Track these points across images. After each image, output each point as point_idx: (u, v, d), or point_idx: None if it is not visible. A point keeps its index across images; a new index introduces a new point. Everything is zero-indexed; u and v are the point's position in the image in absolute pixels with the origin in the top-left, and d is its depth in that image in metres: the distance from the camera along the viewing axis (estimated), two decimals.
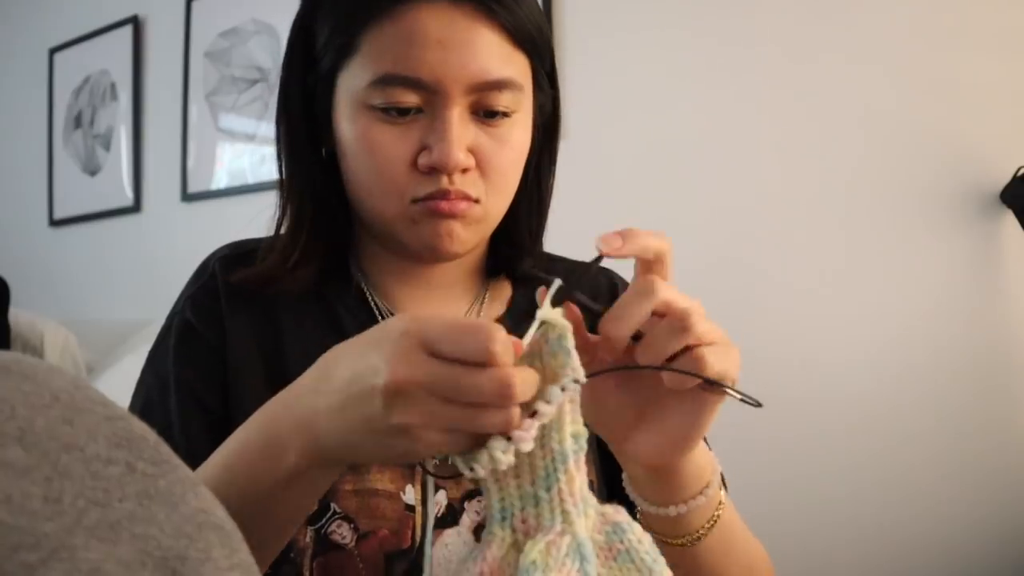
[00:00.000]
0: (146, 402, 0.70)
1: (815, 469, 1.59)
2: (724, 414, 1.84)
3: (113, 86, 2.68)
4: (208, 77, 2.45)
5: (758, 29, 1.71)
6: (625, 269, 1.11)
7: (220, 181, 2.41)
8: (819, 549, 1.58)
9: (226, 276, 0.71)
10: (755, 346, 1.68)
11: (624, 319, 0.49)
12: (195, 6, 2.49)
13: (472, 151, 0.64)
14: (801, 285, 1.64)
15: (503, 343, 0.41)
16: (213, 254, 0.75)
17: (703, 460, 0.56)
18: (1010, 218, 1.47)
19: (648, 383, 0.52)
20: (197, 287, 0.72)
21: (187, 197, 2.47)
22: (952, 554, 1.48)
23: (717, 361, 0.50)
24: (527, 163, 0.71)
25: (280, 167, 0.73)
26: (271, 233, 0.74)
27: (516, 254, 0.77)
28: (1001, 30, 1.51)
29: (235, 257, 0.73)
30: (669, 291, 0.50)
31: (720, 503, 0.58)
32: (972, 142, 1.53)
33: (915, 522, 1.52)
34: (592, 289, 0.80)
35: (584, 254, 0.89)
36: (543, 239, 0.79)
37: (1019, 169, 1.44)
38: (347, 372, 0.44)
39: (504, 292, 0.79)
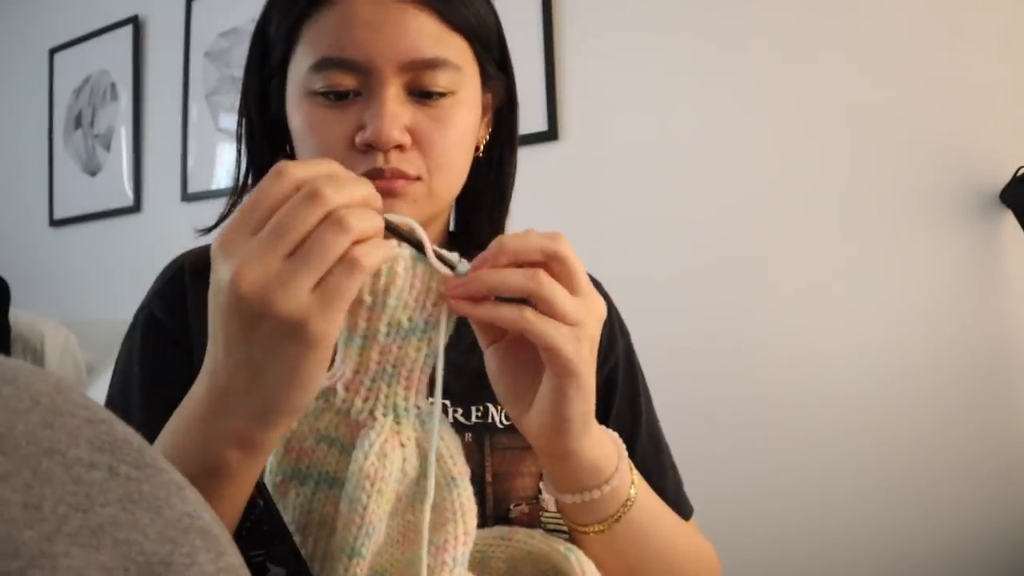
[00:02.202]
0: (109, 398, 0.71)
1: (814, 470, 1.59)
2: (725, 415, 1.82)
3: (113, 86, 2.68)
4: (208, 77, 2.45)
5: (757, 29, 1.71)
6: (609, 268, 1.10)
7: (220, 181, 2.41)
8: (820, 550, 1.57)
9: (195, 270, 0.73)
10: (754, 346, 1.68)
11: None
12: (195, 6, 2.49)
13: (410, 130, 0.65)
14: (800, 285, 1.64)
15: (292, 166, 0.44)
16: (182, 253, 0.77)
17: (600, 454, 0.57)
18: (1010, 218, 1.47)
19: (531, 363, 0.54)
20: (164, 282, 0.74)
21: (187, 197, 2.47)
22: (953, 554, 1.48)
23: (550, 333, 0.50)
24: (488, 153, 0.73)
25: (238, 162, 0.76)
26: None
27: (476, 242, 0.78)
28: (1001, 30, 1.51)
29: (204, 254, 0.75)
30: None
31: (628, 499, 0.59)
32: (972, 142, 1.52)
33: (916, 523, 1.51)
34: None
35: (580, 254, 0.89)
36: (505, 229, 0.81)
37: (1019, 169, 1.44)
38: (216, 324, 0.45)
39: None
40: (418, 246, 0.47)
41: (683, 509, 0.75)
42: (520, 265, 0.50)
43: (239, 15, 2.36)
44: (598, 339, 0.52)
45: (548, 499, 0.68)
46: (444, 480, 0.49)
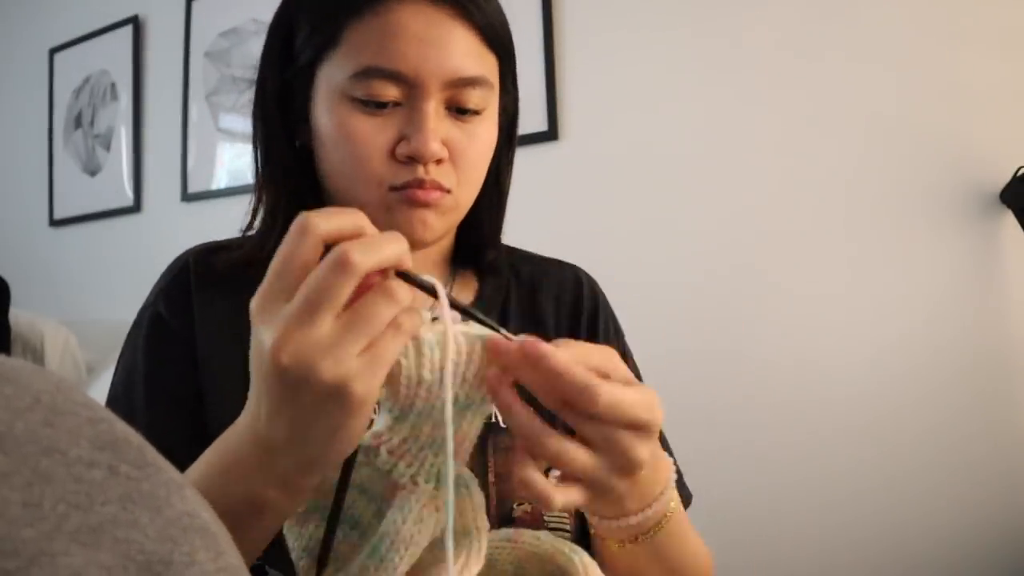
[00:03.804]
0: (112, 396, 0.71)
1: (816, 471, 1.59)
2: (725, 416, 1.82)
3: (113, 86, 2.68)
4: (208, 77, 2.45)
5: (758, 29, 1.71)
6: (602, 267, 1.10)
7: (220, 181, 2.41)
8: (821, 550, 1.58)
9: (201, 268, 0.73)
10: (754, 347, 1.68)
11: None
12: (195, 6, 2.49)
13: (445, 144, 0.67)
14: (801, 286, 1.64)
15: (316, 220, 0.43)
16: (186, 251, 0.77)
17: (660, 474, 0.54)
18: (1010, 218, 1.47)
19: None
20: (169, 280, 0.74)
21: (187, 197, 2.47)
22: (954, 555, 1.48)
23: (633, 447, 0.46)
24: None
25: (255, 160, 0.75)
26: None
27: (479, 245, 0.80)
28: (1001, 30, 1.51)
29: (210, 252, 0.75)
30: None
31: (664, 518, 0.56)
32: (972, 142, 1.52)
33: (916, 523, 1.51)
34: (558, 285, 0.83)
35: (580, 255, 0.89)
36: (502, 232, 0.83)
37: (1019, 169, 1.44)
38: (259, 378, 0.45)
39: (471, 283, 0.82)
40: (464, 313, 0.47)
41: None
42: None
43: (239, 15, 2.37)
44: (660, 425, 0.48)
45: None
46: (463, 532, 0.50)
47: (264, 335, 0.43)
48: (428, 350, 0.45)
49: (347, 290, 0.42)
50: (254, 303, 0.45)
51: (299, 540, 0.50)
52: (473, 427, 0.48)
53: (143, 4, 2.63)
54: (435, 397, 0.46)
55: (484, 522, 0.50)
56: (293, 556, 0.50)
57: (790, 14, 1.68)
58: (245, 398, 0.52)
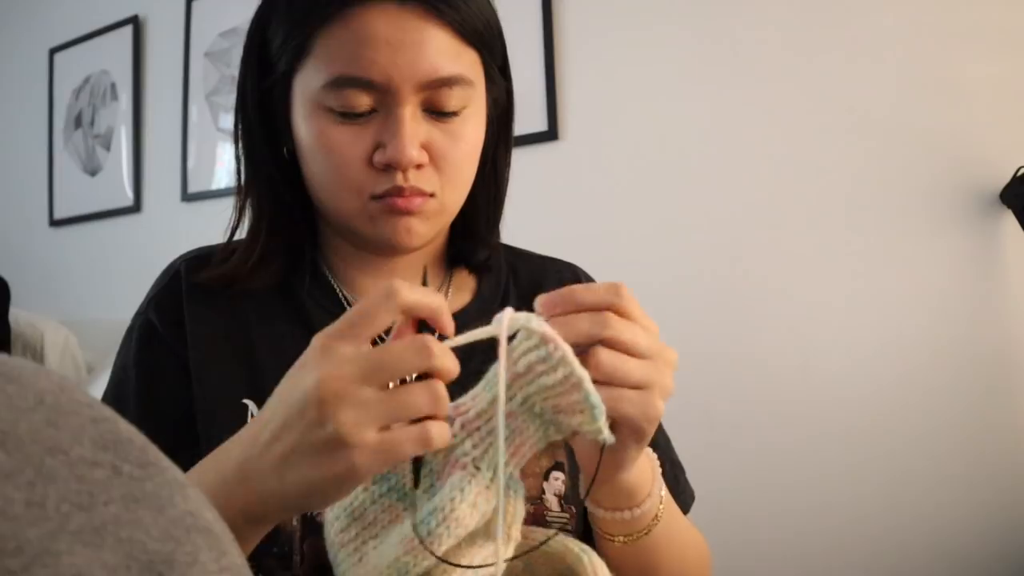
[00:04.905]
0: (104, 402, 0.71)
1: (816, 471, 1.59)
2: (726, 416, 1.82)
3: (113, 86, 2.68)
4: (208, 77, 2.45)
5: (758, 29, 1.71)
6: (599, 270, 1.11)
7: (220, 181, 2.42)
8: (821, 550, 1.58)
9: (192, 277, 0.73)
10: (755, 348, 1.68)
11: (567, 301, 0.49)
12: (195, 6, 2.49)
13: (426, 147, 0.65)
14: (801, 286, 1.64)
15: (406, 291, 0.44)
16: (179, 257, 0.76)
17: (637, 480, 0.58)
18: (1010, 218, 1.47)
19: None
20: (160, 288, 0.73)
21: (187, 197, 2.47)
22: (954, 556, 1.48)
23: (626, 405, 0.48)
24: (484, 155, 0.73)
25: (238, 169, 0.75)
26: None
27: (474, 244, 0.79)
28: (1001, 30, 1.51)
29: (201, 259, 0.75)
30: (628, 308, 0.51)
31: (656, 517, 0.60)
32: (972, 142, 1.52)
33: (916, 524, 1.51)
34: (556, 283, 0.82)
35: (580, 256, 0.89)
36: (499, 229, 0.82)
37: (1019, 169, 1.44)
38: (280, 401, 0.45)
39: (467, 281, 0.81)
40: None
41: (683, 499, 0.76)
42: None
43: (239, 15, 2.36)
44: (671, 387, 0.50)
45: (552, 499, 0.69)
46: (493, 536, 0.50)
47: (320, 363, 0.44)
48: (544, 352, 0.45)
49: (415, 370, 0.44)
50: (326, 332, 0.45)
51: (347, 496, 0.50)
52: (535, 438, 0.48)
53: (143, 4, 2.63)
54: (518, 388, 0.47)
55: (517, 533, 0.50)
56: (328, 512, 0.50)
57: (790, 14, 1.68)
58: (235, 407, 0.52)
